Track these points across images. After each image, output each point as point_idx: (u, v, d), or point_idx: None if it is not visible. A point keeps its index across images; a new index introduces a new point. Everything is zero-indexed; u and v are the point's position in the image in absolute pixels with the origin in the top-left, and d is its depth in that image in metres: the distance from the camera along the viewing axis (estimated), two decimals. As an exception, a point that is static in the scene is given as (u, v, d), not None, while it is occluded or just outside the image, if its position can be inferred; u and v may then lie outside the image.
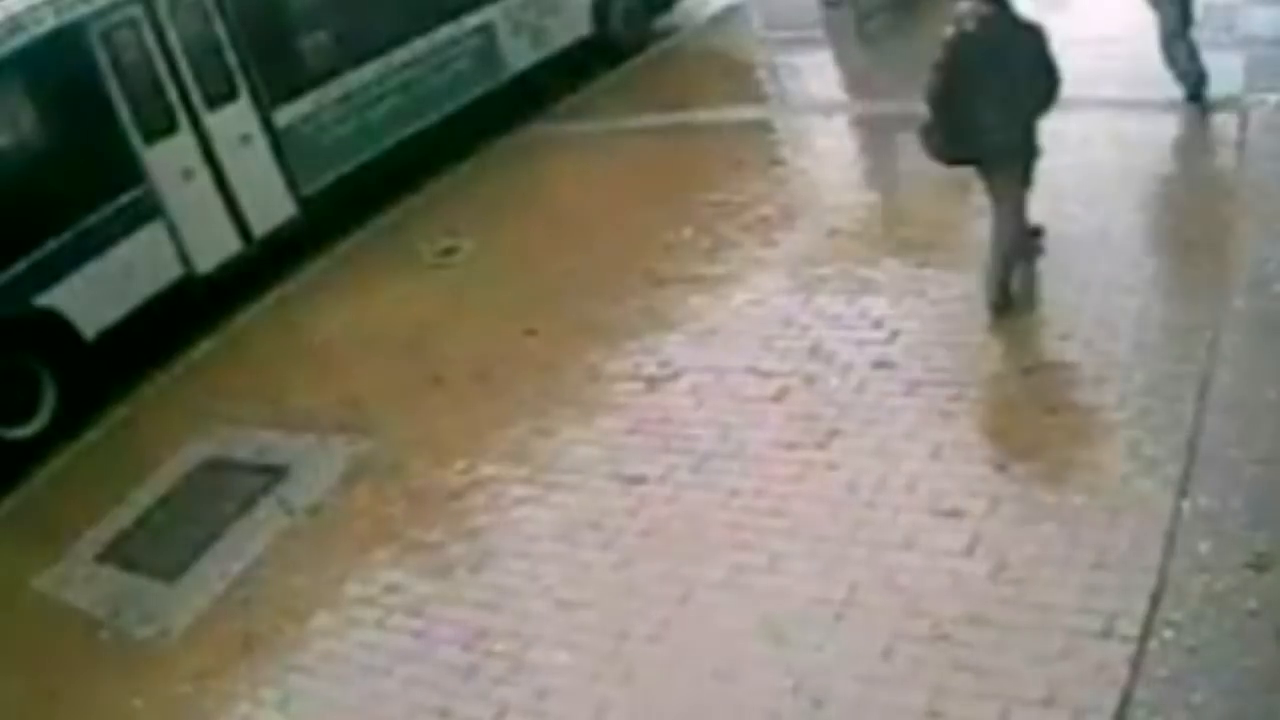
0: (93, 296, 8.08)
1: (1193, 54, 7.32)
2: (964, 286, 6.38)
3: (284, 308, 8.86)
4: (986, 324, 6.03)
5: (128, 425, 7.86)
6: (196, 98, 8.86)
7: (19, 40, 7.80)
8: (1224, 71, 7.80)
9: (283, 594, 5.68)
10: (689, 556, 5.03)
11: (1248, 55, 8.01)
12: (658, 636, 4.69)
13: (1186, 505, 4.49)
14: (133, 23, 8.49)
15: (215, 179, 8.98)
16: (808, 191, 8.36)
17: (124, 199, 8.35)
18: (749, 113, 10.07)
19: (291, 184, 9.48)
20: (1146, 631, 4.03)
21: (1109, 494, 4.69)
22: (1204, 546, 4.29)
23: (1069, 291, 6.31)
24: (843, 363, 6.03)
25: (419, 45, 10.36)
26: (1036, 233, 6.37)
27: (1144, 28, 7.26)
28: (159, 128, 8.63)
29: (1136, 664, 3.92)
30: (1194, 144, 7.23)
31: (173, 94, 8.72)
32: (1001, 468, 4.98)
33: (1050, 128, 7.89)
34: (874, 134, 9.23)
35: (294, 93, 9.52)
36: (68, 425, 7.89)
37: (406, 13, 10.32)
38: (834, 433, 5.53)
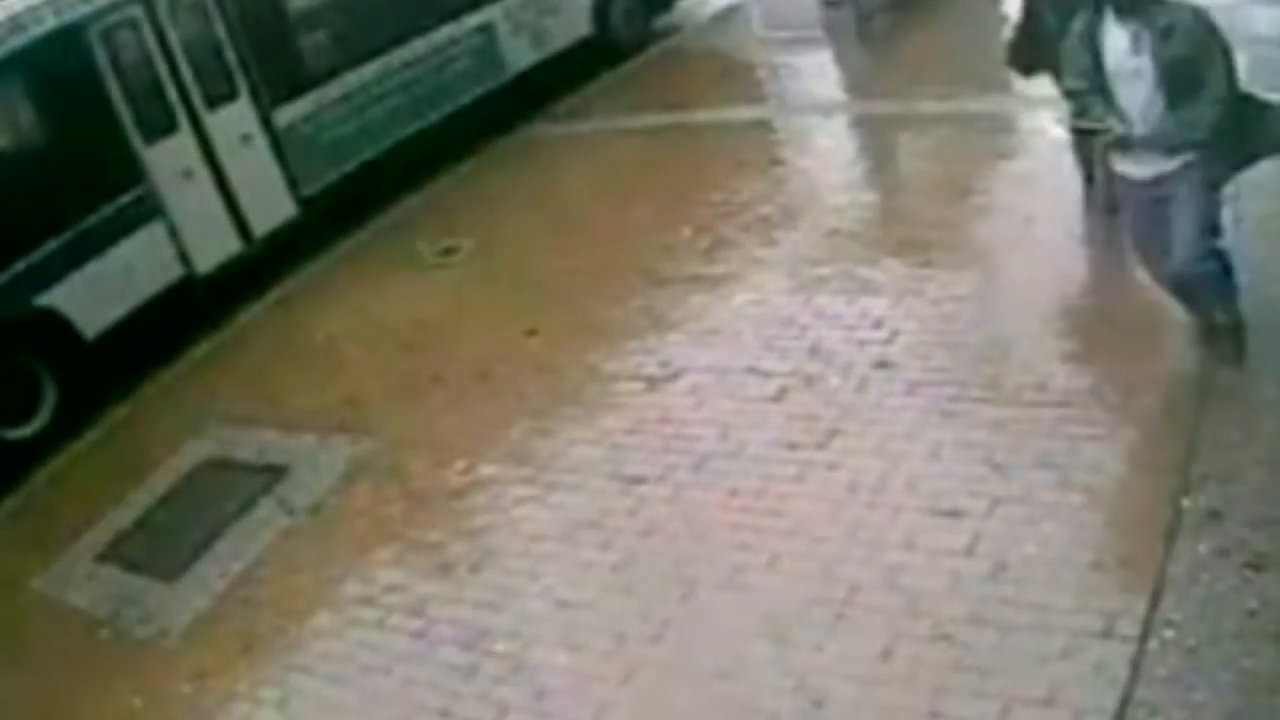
0: (93, 296, 8.08)
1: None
2: (964, 286, 6.39)
3: (284, 308, 8.86)
4: (987, 324, 6.03)
5: (128, 425, 7.86)
6: (196, 98, 8.86)
7: (19, 40, 7.80)
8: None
9: (283, 594, 5.68)
10: (689, 556, 5.03)
11: (1248, 55, 7.99)
12: (658, 636, 4.69)
13: (1186, 505, 4.49)
14: (133, 23, 8.49)
15: (215, 179, 8.98)
16: (808, 191, 8.36)
17: (124, 199, 8.34)
18: (749, 113, 10.07)
19: (291, 184, 9.49)
20: (1146, 631, 4.02)
21: (1109, 494, 4.69)
22: (1204, 546, 4.29)
23: (1070, 291, 6.32)
24: (843, 363, 6.02)
25: (419, 45, 10.37)
26: None
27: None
28: (159, 128, 8.63)
29: (1136, 664, 3.92)
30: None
31: (173, 94, 8.73)
32: (1001, 468, 4.98)
33: (1049, 129, 7.93)
34: (874, 134, 9.23)
35: (294, 93, 9.52)
36: (68, 425, 7.88)
37: (407, 13, 10.32)
38: (834, 433, 5.53)
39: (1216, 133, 4.81)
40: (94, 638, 5.84)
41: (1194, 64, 4.76)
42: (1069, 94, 5.24)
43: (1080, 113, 5.19)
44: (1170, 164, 4.93)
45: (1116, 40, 4.89)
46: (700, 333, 6.75)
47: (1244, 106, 4.90)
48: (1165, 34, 4.74)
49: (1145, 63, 4.81)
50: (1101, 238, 6.49)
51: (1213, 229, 5.12)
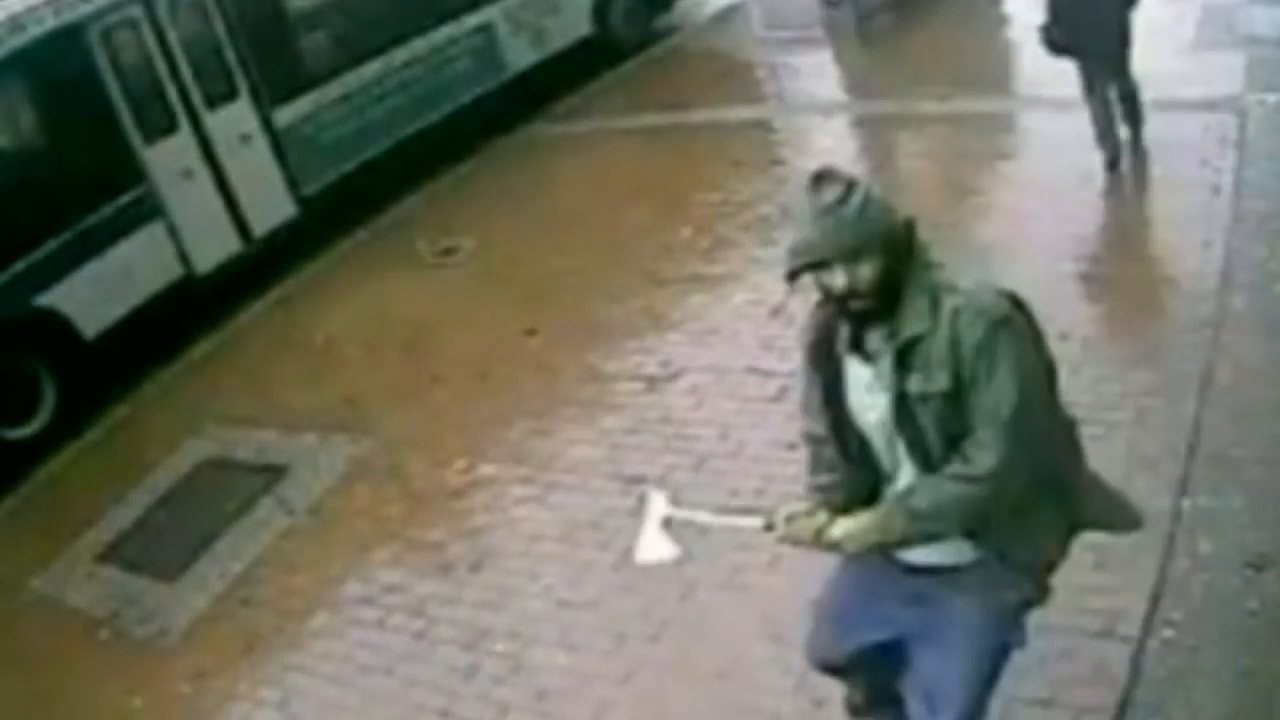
0: (93, 296, 8.08)
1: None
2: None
3: (284, 307, 8.86)
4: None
5: (128, 425, 7.86)
6: (196, 98, 8.87)
7: (19, 40, 7.80)
8: (1224, 71, 7.81)
9: (283, 594, 5.68)
10: (689, 556, 5.01)
11: (1248, 55, 8.02)
12: (658, 636, 4.69)
13: (1186, 505, 4.49)
14: (133, 23, 8.49)
15: (215, 179, 8.99)
16: (808, 191, 8.34)
17: (124, 199, 8.35)
18: (749, 112, 10.07)
19: (291, 184, 9.49)
20: (1146, 631, 4.02)
21: (1109, 494, 4.68)
22: (1204, 546, 4.29)
23: (1068, 290, 6.31)
24: (843, 363, 6.01)
25: (419, 45, 10.36)
26: None
27: (1143, 30, 7.24)
28: (159, 128, 8.64)
29: (1136, 664, 3.92)
30: (1194, 144, 7.21)
31: (173, 94, 8.73)
32: (1001, 468, 4.97)
33: (1049, 129, 7.95)
34: (874, 134, 9.23)
35: (294, 92, 9.52)
36: (68, 425, 7.89)
37: (406, 13, 10.33)
38: (834, 432, 5.51)
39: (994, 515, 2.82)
40: (93, 638, 5.84)
41: (957, 400, 2.80)
42: (807, 440, 3.39)
43: (813, 468, 3.37)
44: (950, 556, 2.97)
45: (856, 367, 3.03)
46: (700, 333, 6.75)
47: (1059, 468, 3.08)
48: (905, 351, 2.86)
49: (881, 400, 2.91)
50: (1099, 238, 6.51)
51: (993, 676, 3.05)
